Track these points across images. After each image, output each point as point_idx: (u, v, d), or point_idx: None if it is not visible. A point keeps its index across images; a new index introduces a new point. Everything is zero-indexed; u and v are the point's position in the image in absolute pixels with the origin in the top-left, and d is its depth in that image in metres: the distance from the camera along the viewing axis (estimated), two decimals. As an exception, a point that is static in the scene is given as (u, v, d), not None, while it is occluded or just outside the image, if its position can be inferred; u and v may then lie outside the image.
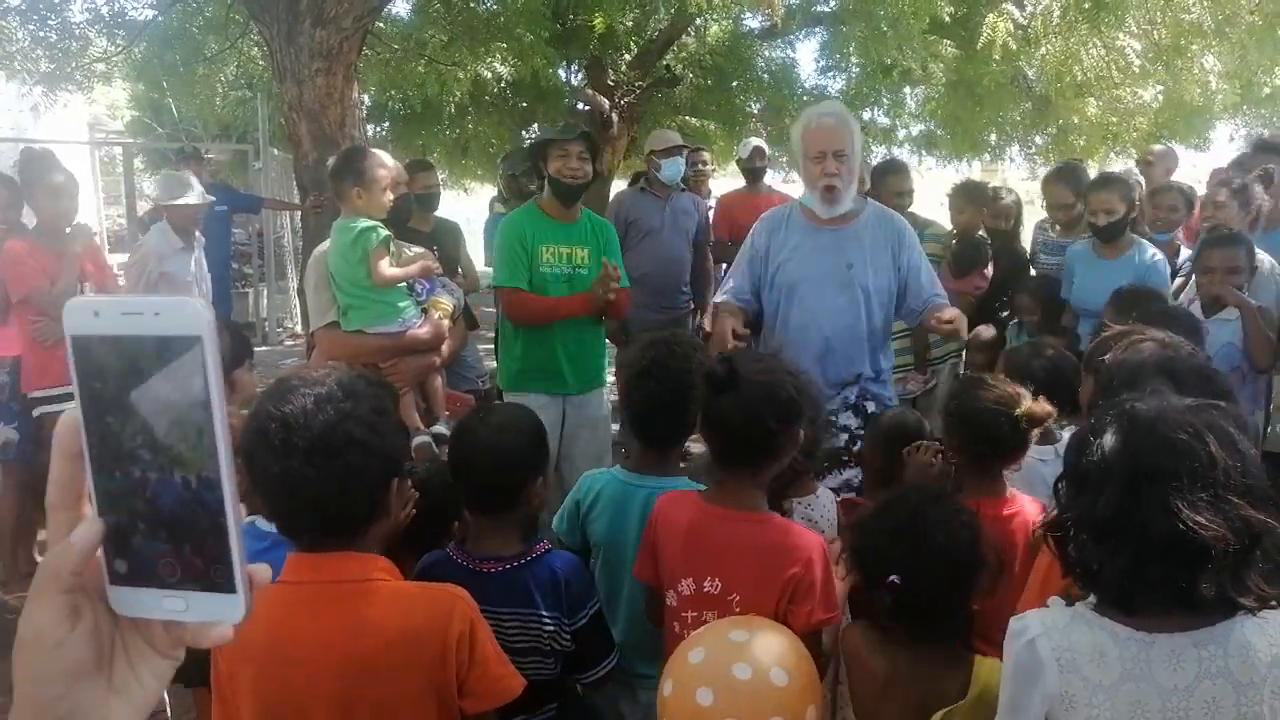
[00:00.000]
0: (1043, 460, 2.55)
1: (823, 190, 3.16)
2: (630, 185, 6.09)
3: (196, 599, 0.59)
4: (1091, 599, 1.45)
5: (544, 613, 2.00)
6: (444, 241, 5.09)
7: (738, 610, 1.96)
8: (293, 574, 1.60)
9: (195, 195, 5.34)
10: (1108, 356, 2.11)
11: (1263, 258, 3.77)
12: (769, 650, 1.71)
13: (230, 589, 0.59)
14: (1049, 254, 4.66)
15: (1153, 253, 3.99)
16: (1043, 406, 2.29)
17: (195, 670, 2.09)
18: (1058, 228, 4.69)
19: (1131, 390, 1.65)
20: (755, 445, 2.00)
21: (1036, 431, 2.37)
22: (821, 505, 2.45)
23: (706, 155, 6.92)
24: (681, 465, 5.61)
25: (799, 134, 3.28)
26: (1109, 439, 1.40)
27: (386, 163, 3.26)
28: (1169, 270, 4.05)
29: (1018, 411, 2.25)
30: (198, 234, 5.39)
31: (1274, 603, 1.35)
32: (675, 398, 2.23)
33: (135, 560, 0.59)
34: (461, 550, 2.07)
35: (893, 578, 1.76)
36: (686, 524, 2.06)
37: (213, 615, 0.60)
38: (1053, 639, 1.42)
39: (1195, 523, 1.28)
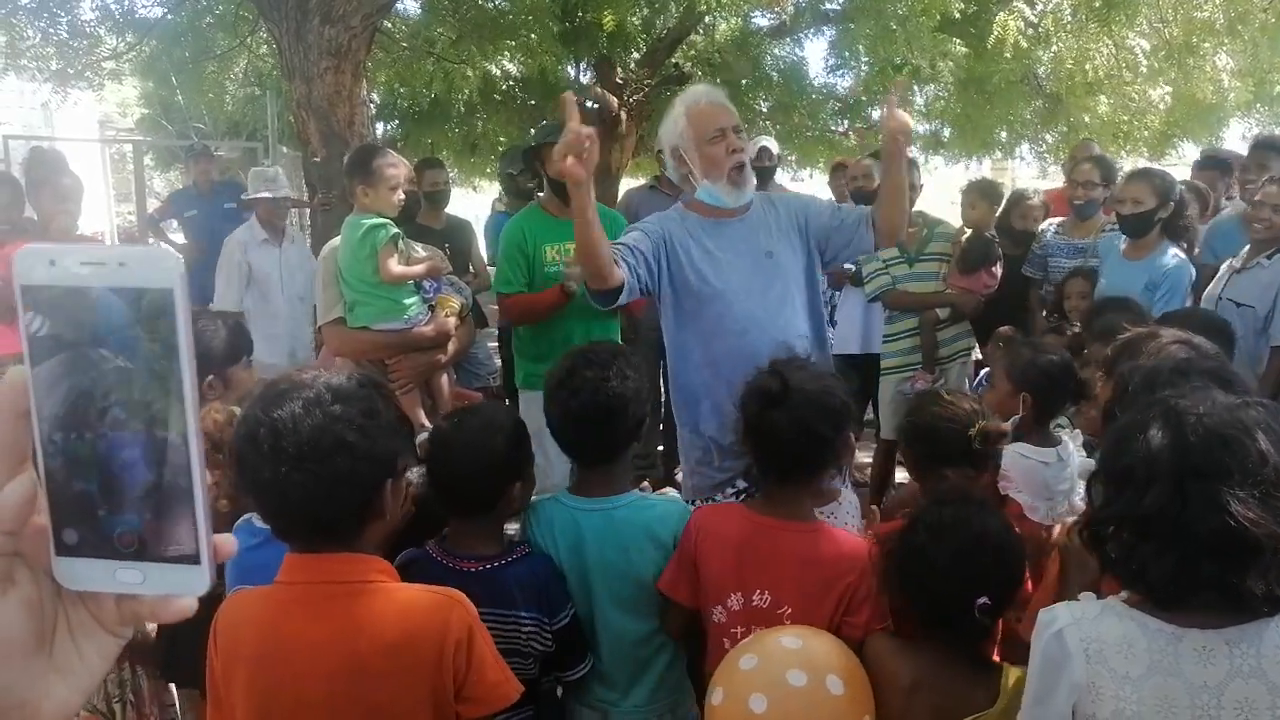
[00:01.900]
0: (1045, 463, 2.52)
1: (731, 171, 2.79)
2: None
3: (155, 571, 0.54)
4: (1124, 593, 1.44)
5: (523, 614, 1.98)
6: (455, 239, 5.09)
7: (788, 624, 1.92)
8: (289, 574, 1.59)
9: (272, 189, 5.30)
10: (1135, 362, 2.06)
11: None
12: (824, 658, 1.67)
13: (194, 560, 0.54)
14: (1065, 257, 4.52)
15: (1173, 256, 3.82)
16: (996, 425, 2.28)
17: (189, 671, 2.10)
18: (1062, 229, 4.62)
19: (1149, 394, 1.62)
20: (811, 455, 1.97)
21: (1013, 444, 2.35)
22: (845, 512, 2.38)
23: None
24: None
25: (682, 122, 2.83)
26: (1155, 435, 1.38)
27: (397, 162, 3.27)
28: (1190, 276, 3.84)
29: (972, 431, 2.23)
30: (289, 228, 5.32)
31: None
32: (593, 411, 2.09)
33: (87, 529, 0.54)
34: (441, 549, 2.04)
35: (983, 599, 1.72)
36: (737, 537, 2.00)
37: (173, 588, 0.55)
38: (1081, 629, 1.41)
39: (1247, 519, 1.26)
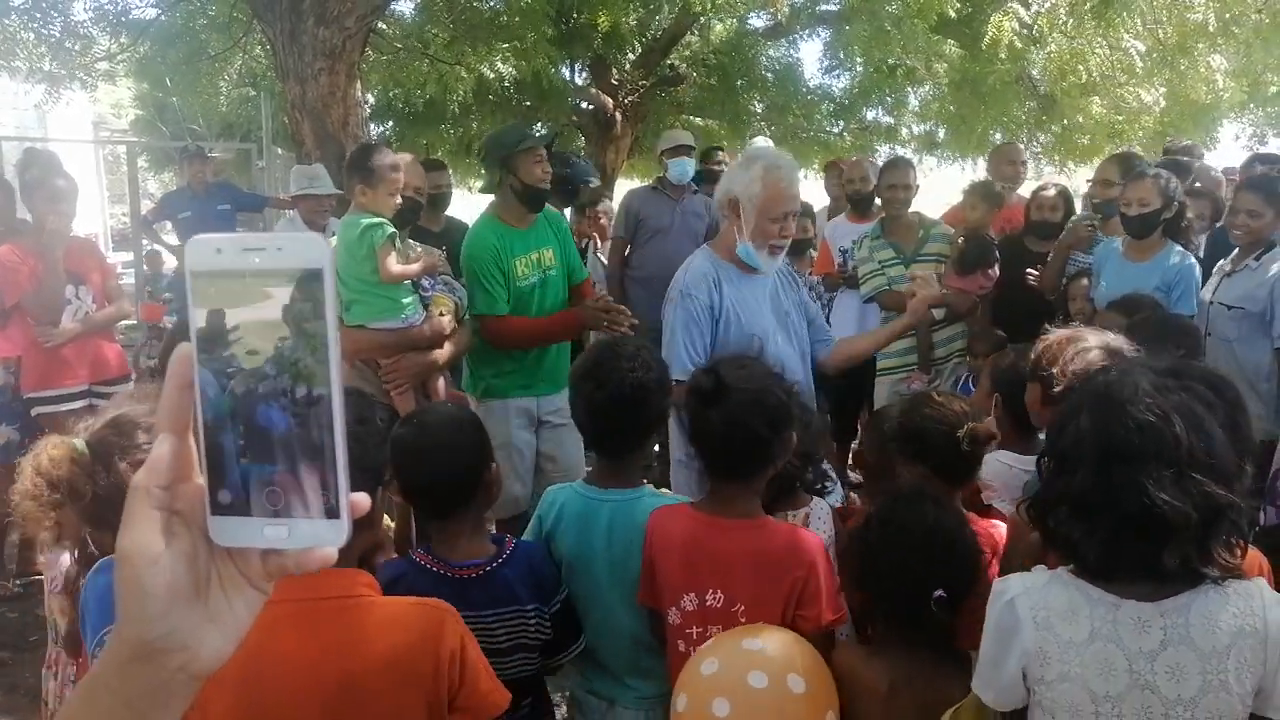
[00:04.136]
0: (1027, 471, 2.50)
1: (773, 248, 2.96)
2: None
3: (299, 526, 0.60)
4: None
5: (528, 606, 1.97)
6: (454, 241, 5.08)
7: (743, 621, 1.91)
8: (273, 591, 1.54)
9: (321, 186, 5.21)
10: (1056, 365, 2.08)
11: None
12: (784, 657, 1.68)
13: (335, 514, 0.60)
14: (1082, 251, 4.45)
15: (1181, 256, 3.83)
16: (985, 427, 2.27)
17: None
18: (1095, 222, 4.57)
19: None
20: (748, 455, 1.97)
21: (995, 452, 2.35)
22: (815, 518, 2.34)
23: (724, 155, 6.74)
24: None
25: (757, 186, 2.91)
26: (1083, 420, 1.48)
27: (398, 163, 3.25)
28: (1199, 274, 3.86)
29: (960, 432, 2.22)
30: (330, 225, 5.20)
31: (1238, 574, 1.43)
32: (620, 402, 2.12)
33: (239, 488, 0.60)
34: (432, 556, 1.98)
35: (939, 592, 1.74)
36: (683, 537, 2.00)
37: (315, 541, 0.61)
38: (1031, 598, 1.50)
39: (1160, 499, 1.36)
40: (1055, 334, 2.24)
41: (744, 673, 1.63)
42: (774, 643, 1.72)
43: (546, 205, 3.71)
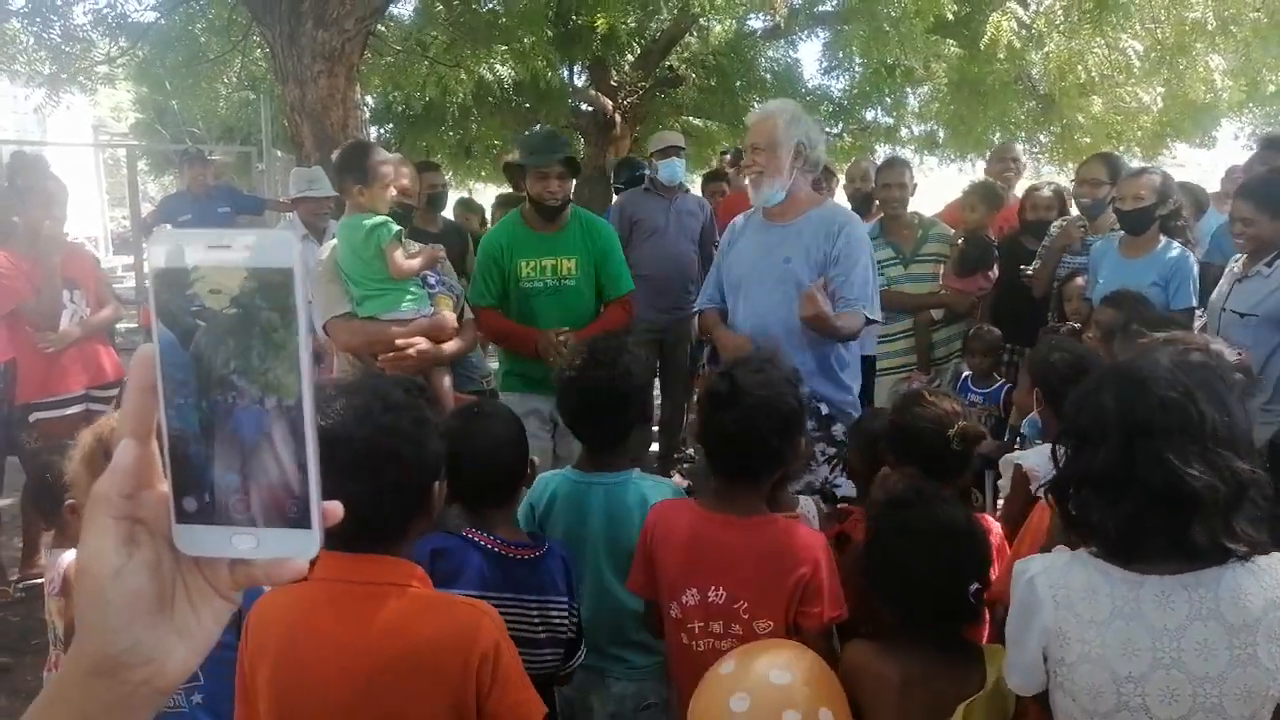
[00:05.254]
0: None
1: (748, 178, 3.32)
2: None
3: (268, 536, 0.58)
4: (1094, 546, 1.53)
5: (566, 599, 2.04)
6: (451, 244, 5.09)
7: (745, 617, 1.92)
8: (326, 570, 1.55)
9: (320, 189, 5.19)
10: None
11: None
12: (814, 690, 1.63)
13: (305, 524, 0.58)
14: (1073, 254, 4.43)
15: (1178, 250, 3.84)
16: (975, 427, 2.30)
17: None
18: (1085, 225, 4.55)
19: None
20: (758, 459, 1.99)
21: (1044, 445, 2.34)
22: (804, 521, 2.33)
23: (726, 186, 6.66)
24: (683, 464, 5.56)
25: None
26: (1105, 399, 1.48)
27: (390, 159, 3.26)
28: (1196, 268, 3.87)
29: (951, 432, 2.24)
30: (329, 227, 5.17)
31: (1262, 549, 1.42)
32: (599, 406, 2.28)
33: (205, 496, 0.57)
34: (485, 534, 2.02)
35: (975, 585, 1.76)
36: (687, 533, 2.02)
37: (286, 551, 0.58)
38: (1050, 577, 1.51)
39: (1187, 474, 1.36)
40: (1152, 337, 2.25)
41: (778, 712, 1.58)
42: (801, 673, 1.67)
43: (587, 214, 3.80)
